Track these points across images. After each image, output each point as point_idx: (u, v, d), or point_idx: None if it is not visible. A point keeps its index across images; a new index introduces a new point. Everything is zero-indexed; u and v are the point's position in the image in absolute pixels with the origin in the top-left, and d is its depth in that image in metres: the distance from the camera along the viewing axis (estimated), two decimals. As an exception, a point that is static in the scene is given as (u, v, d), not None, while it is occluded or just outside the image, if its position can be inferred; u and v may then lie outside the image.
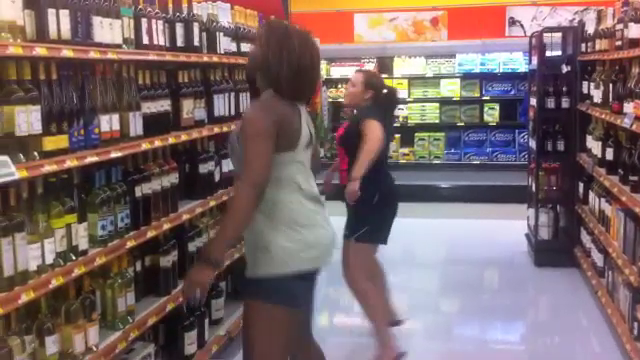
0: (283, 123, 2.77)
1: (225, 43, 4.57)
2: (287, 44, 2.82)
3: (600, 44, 5.63)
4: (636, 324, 4.21)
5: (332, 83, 10.34)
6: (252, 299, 2.84)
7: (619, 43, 4.87)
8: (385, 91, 4.68)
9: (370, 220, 4.44)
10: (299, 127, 2.85)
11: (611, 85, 5.14)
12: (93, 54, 2.99)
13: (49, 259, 2.73)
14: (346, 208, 4.53)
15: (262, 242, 2.79)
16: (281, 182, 2.81)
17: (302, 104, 2.94)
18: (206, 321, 4.25)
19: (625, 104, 4.59)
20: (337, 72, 10.42)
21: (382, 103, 4.62)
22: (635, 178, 4.40)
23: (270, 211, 2.80)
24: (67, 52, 2.80)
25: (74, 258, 2.89)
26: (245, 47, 4.97)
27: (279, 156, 2.77)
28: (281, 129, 2.75)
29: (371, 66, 10.05)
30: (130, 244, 3.31)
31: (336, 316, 5.71)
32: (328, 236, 2.92)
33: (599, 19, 5.89)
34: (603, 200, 5.33)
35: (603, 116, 5.21)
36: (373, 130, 4.34)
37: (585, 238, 6.12)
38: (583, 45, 6.38)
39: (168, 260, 3.76)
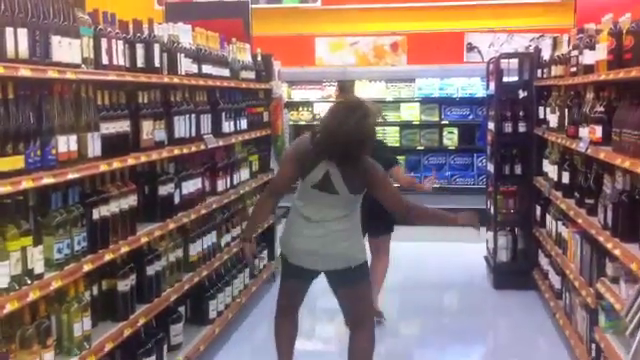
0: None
1: (186, 64, 4.55)
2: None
3: (556, 70, 5.75)
4: (594, 345, 4.25)
5: (293, 106, 10.35)
6: None
7: (574, 69, 4.98)
8: None
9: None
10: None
11: (566, 110, 5.24)
12: (51, 74, 2.94)
13: (3, 283, 2.67)
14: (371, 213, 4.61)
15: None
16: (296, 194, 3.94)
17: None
18: (165, 346, 4.18)
19: (580, 129, 4.68)
20: (298, 95, 10.45)
21: None
22: (590, 201, 4.47)
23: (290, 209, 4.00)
24: (25, 71, 2.76)
25: (29, 282, 2.82)
26: (206, 69, 4.96)
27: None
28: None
29: (332, 90, 10.11)
30: (87, 268, 3.25)
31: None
32: (301, 245, 3.83)
33: (554, 46, 6.02)
34: (560, 223, 5.41)
35: (559, 140, 5.31)
36: None
37: (543, 260, 6.20)
38: (539, 71, 6.50)
39: (126, 284, 3.70)
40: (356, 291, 3.88)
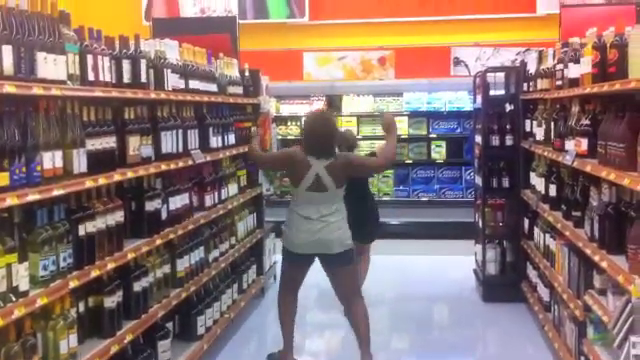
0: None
1: (173, 80, 4.55)
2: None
3: (541, 83, 5.79)
4: (582, 358, 4.26)
5: (281, 120, 10.37)
6: None
7: (559, 83, 5.02)
8: None
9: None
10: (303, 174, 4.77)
11: (552, 123, 5.27)
12: (36, 90, 2.93)
13: (-13, 301, 2.64)
14: (357, 223, 5.19)
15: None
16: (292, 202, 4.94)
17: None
18: (152, 363, 4.14)
19: (566, 141, 4.71)
20: (287, 110, 10.47)
21: None
22: (577, 213, 4.49)
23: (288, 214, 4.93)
24: (9, 88, 2.75)
25: (14, 299, 2.80)
26: (193, 84, 4.96)
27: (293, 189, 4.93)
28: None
29: (320, 104, 10.15)
30: (73, 284, 3.23)
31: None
32: (305, 237, 4.76)
33: (540, 59, 6.07)
34: (547, 235, 5.42)
35: (545, 153, 5.34)
36: None
37: (531, 273, 6.20)
38: (525, 84, 6.54)
39: (112, 301, 3.67)
40: (347, 271, 4.86)
